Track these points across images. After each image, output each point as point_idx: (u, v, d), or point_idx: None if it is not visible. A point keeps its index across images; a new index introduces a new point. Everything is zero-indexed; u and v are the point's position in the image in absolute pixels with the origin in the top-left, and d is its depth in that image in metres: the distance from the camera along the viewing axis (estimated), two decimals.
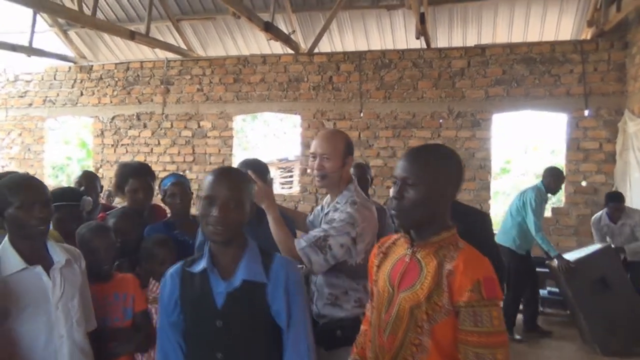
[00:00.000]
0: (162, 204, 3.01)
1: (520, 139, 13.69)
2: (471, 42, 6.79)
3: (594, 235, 5.32)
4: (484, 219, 2.79)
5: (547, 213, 6.40)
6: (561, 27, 6.49)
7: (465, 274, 1.31)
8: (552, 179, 4.89)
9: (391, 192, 1.43)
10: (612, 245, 4.90)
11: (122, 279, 2.22)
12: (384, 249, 1.59)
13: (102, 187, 3.27)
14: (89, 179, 3.18)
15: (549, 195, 4.95)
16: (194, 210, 3.41)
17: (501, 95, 6.47)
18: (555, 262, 4.63)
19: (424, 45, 6.64)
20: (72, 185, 3.20)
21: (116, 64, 7.99)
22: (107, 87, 7.96)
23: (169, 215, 2.92)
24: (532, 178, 13.99)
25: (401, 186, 1.40)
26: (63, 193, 2.47)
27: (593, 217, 5.35)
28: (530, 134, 13.74)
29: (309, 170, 2.23)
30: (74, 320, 1.80)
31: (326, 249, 1.97)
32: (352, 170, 2.68)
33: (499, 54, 6.49)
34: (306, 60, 7.13)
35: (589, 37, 6.33)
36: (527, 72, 6.39)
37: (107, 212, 2.81)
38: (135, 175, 2.80)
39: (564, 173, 4.99)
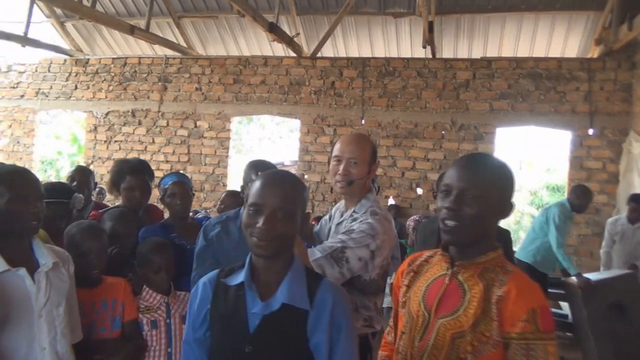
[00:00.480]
0: (157, 205, 2.83)
1: (515, 154, 13.65)
2: (477, 54, 6.70)
3: (605, 238, 5.17)
4: (505, 235, 2.65)
5: None
6: (568, 43, 6.43)
7: (518, 301, 1.16)
8: (581, 197, 4.73)
9: (439, 202, 1.27)
10: (617, 252, 4.76)
11: (111, 284, 2.03)
12: (415, 267, 1.43)
13: (96, 183, 3.09)
14: (82, 174, 2.99)
15: (574, 213, 4.80)
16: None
17: (505, 110, 6.37)
18: (574, 280, 4.48)
19: (429, 55, 6.53)
20: (64, 180, 3.01)
21: (113, 58, 7.79)
22: (102, 81, 7.75)
23: (166, 217, 2.73)
24: (526, 194, 13.97)
25: (459, 197, 1.23)
26: (52, 188, 2.29)
27: (610, 219, 5.20)
28: (526, 150, 13.70)
29: (330, 175, 2.06)
30: (58, 331, 1.60)
31: (343, 262, 1.80)
32: None
33: (504, 67, 6.39)
34: (308, 64, 6.99)
35: (595, 56, 6.26)
36: (532, 87, 6.30)
37: (101, 211, 2.62)
38: (133, 173, 2.63)
39: (588, 192, 4.80)
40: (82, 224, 2.06)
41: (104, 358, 1.89)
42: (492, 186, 1.24)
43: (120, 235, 2.26)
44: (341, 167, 1.94)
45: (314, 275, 1.40)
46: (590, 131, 6.13)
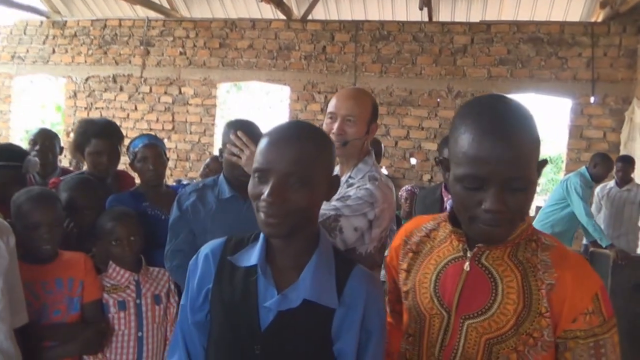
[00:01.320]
0: (130, 171, 2.56)
1: None
2: (475, 17, 6.37)
3: (594, 204, 4.98)
4: None
5: (543, 202, 6.11)
6: (572, 5, 6.10)
7: (578, 288, 0.91)
8: (600, 165, 4.47)
9: (490, 202, 0.88)
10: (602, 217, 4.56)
11: (68, 260, 1.76)
12: (413, 244, 1.12)
13: (61, 148, 2.80)
14: (45, 138, 2.70)
15: (593, 183, 4.56)
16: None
17: (504, 76, 6.08)
18: (607, 252, 4.25)
19: (426, 18, 6.20)
20: (27, 144, 2.72)
21: (92, 20, 7.36)
22: (81, 45, 7.34)
23: (137, 184, 2.47)
24: None
25: (500, 189, 0.88)
26: (0, 151, 2.00)
27: (600, 185, 4.98)
28: None
29: None
30: None
31: (336, 232, 1.57)
32: None
33: (504, 31, 6.08)
34: (298, 27, 6.62)
35: (600, 20, 5.96)
36: (533, 53, 6.01)
37: (63, 178, 2.34)
38: (100, 135, 2.34)
39: (608, 160, 4.54)
40: (32, 191, 1.76)
41: (58, 345, 1.64)
42: (533, 163, 0.93)
43: (78, 207, 1.99)
44: (335, 125, 1.68)
45: (344, 260, 1.10)
46: (592, 99, 5.88)
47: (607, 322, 0.90)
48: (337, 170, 1.90)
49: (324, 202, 1.80)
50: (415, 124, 6.32)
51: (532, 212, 5.96)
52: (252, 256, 1.05)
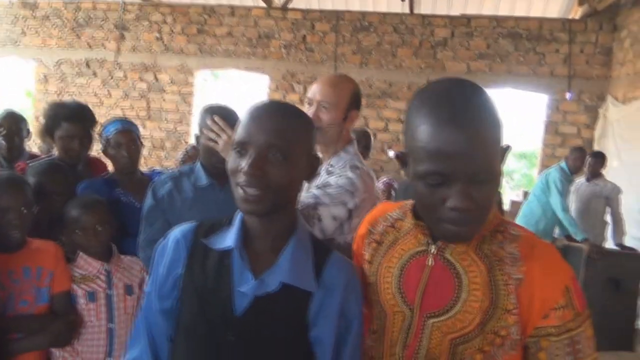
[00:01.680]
0: (102, 158, 2.46)
1: None
2: (456, 10, 6.37)
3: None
4: (499, 197, 2.40)
5: (519, 197, 6.20)
6: (550, 2, 6.16)
7: (548, 281, 0.84)
8: (579, 159, 4.53)
9: (455, 199, 0.81)
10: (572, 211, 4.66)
11: (37, 249, 1.68)
12: (377, 234, 1.05)
13: (29, 131, 2.68)
14: (12, 121, 2.57)
15: (574, 176, 4.60)
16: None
17: (483, 71, 6.12)
18: (582, 246, 4.30)
19: (407, 10, 6.18)
20: None
21: (65, 2, 7.12)
22: (53, 27, 7.10)
23: (110, 171, 2.37)
24: None
25: (466, 184, 0.81)
26: None
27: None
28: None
29: None
30: None
31: (314, 220, 1.53)
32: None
33: (484, 26, 6.11)
34: (279, 15, 6.53)
35: (577, 17, 6.04)
36: (512, 48, 6.06)
37: (31, 162, 2.24)
38: (71, 119, 2.24)
39: (585, 153, 4.59)
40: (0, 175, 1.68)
41: (25, 338, 1.56)
42: (496, 156, 0.86)
43: (47, 193, 1.90)
44: (311, 111, 1.66)
45: (321, 246, 1.07)
46: (568, 95, 5.96)
47: (581, 315, 0.85)
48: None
49: (303, 190, 1.77)
50: (394, 117, 6.31)
51: (506, 206, 6.03)
52: (227, 238, 1.01)
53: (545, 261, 0.87)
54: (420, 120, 0.83)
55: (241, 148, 0.96)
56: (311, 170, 1.04)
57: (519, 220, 4.70)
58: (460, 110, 0.80)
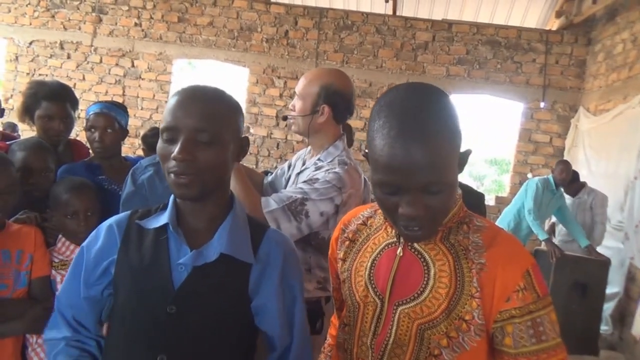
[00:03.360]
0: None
1: (466, 123, 13.79)
2: (438, 15, 6.45)
3: None
4: (479, 199, 2.45)
5: (491, 202, 6.32)
6: (529, 12, 6.30)
7: (508, 265, 0.88)
8: (563, 172, 4.58)
9: (404, 209, 0.85)
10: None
11: (17, 232, 1.62)
12: (350, 233, 1.09)
13: (3, 110, 2.58)
14: None
15: (561, 189, 4.65)
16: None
17: (461, 76, 6.22)
18: (544, 247, 4.42)
19: (390, 11, 6.22)
20: None
21: None
22: (26, 5, 6.85)
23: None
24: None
25: (416, 195, 0.84)
26: None
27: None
28: (474, 120, 13.86)
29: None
30: None
31: (302, 216, 1.54)
32: None
33: (465, 32, 6.21)
34: (262, 8, 6.48)
35: (554, 28, 6.19)
36: (490, 55, 6.17)
37: (9, 142, 2.16)
38: (52, 98, 2.16)
39: (570, 167, 4.67)
40: None
41: (1, 322, 1.51)
42: (450, 159, 0.89)
43: (33, 171, 1.84)
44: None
45: (258, 223, 1.14)
46: (542, 104, 6.12)
47: (542, 300, 0.87)
48: (304, 153, 1.86)
49: (290, 184, 1.77)
50: None
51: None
52: (161, 218, 1.04)
53: (507, 247, 0.91)
54: (375, 133, 0.86)
55: (169, 133, 0.97)
56: (240, 151, 1.08)
57: (498, 222, 4.82)
58: (411, 124, 0.82)
